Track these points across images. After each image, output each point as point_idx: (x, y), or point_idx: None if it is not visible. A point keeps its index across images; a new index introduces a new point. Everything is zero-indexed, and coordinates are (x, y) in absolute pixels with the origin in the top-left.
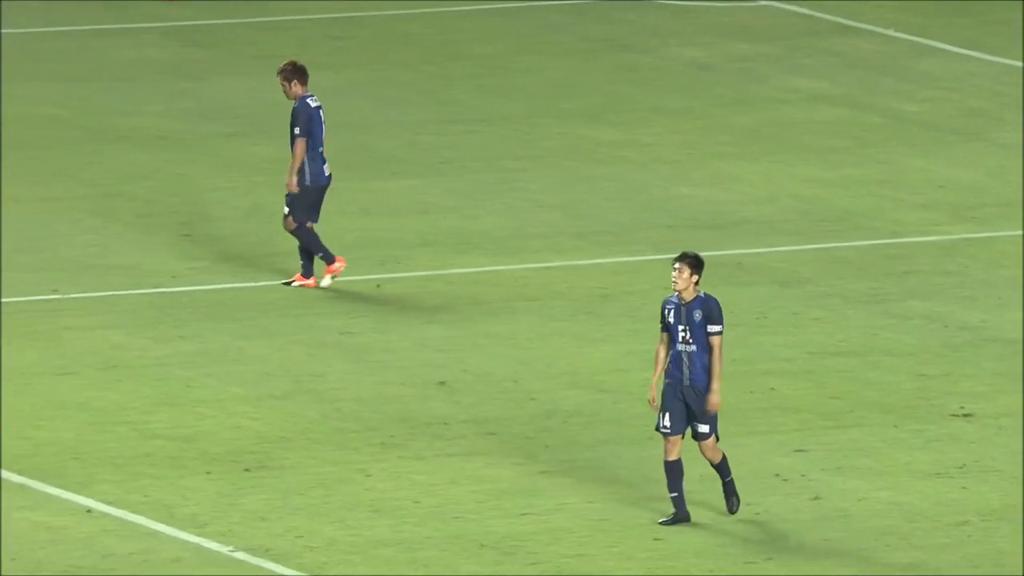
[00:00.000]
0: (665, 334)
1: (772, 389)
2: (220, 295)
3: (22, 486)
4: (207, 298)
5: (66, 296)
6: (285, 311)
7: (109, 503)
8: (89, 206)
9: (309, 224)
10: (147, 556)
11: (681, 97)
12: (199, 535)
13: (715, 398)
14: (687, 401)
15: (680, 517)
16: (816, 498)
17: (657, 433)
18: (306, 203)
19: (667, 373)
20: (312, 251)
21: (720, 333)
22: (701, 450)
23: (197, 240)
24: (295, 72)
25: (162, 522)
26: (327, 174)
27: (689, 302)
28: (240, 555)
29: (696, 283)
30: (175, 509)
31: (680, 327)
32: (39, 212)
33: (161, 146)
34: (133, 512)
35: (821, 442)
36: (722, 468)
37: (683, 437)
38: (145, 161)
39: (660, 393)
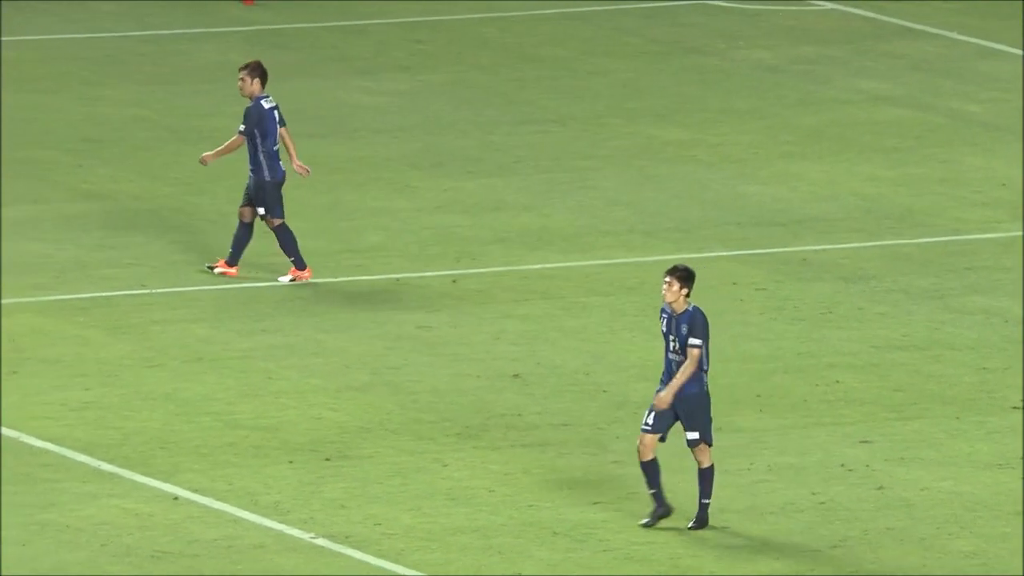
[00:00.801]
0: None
1: (837, 382)
2: (300, 290)
3: (112, 474)
4: (288, 293)
5: (153, 291)
6: (364, 305)
7: (195, 491)
8: (174, 204)
9: (274, 221)
10: (231, 542)
11: (748, 98)
12: (281, 522)
13: (663, 395)
14: (676, 408)
15: (661, 513)
16: (880, 488)
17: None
18: (272, 199)
19: (662, 378)
20: (286, 253)
21: (699, 347)
22: (694, 455)
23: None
24: (258, 72)
25: (246, 509)
26: (283, 170)
27: (679, 314)
28: (321, 541)
29: (687, 296)
30: (258, 497)
31: (671, 337)
32: (128, 210)
33: (242, 146)
34: (218, 500)
35: (885, 433)
36: (704, 484)
37: (662, 440)
38: (227, 161)
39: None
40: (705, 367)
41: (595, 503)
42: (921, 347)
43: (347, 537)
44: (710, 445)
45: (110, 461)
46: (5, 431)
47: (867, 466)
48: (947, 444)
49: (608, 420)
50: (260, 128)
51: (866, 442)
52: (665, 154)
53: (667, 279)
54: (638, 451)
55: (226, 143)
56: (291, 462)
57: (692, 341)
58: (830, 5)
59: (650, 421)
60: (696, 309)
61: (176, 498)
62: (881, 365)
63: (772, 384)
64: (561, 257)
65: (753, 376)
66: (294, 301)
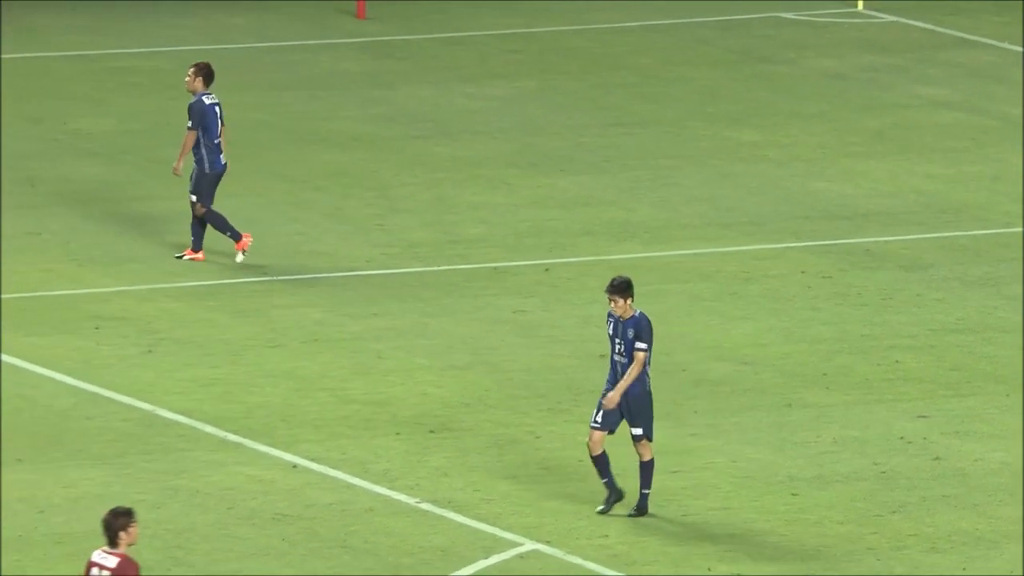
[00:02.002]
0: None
1: (897, 362)
2: (407, 277)
3: (237, 444)
4: (396, 280)
5: (274, 278)
6: (465, 292)
7: (312, 459)
8: (293, 199)
9: (201, 208)
10: (344, 506)
11: (816, 103)
12: (390, 488)
13: (614, 396)
14: (622, 407)
15: (614, 499)
16: (937, 458)
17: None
18: (207, 188)
19: (608, 378)
20: (221, 231)
21: (645, 350)
22: (636, 448)
23: (387, 229)
24: (204, 72)
25: (358, 476)
26: (223, 163)
27: (626, 320)
28: (425, 506)
29: (631, 303)
30: (369, 465)
31: (616, 340)
32: (250, 205)
33: (355, 147)
34: (332, 467)
35: (941, 409)
36: (645, 475)
37: (609, 433)
38: (341, 160)
39: (604, 393)
40: (647, 369)
41: (675, 472)
42: (975, 330)
43: (449, 502)
44: (651, 440)
45: (235, 432)
46: (141, 404)
47: (925, 439)
48: (999, 419)
49: (686, 396)
50: (202, 123)
51: (924, 417)
52: (740, 154)
53: (610, 297)
54: (588, 447)
55: (183, 143)
56: (399, 434)
57: (639, 345)
58: (892, 17)
59: (599, 419)
60: (642, 315)
61: (295, 466)
62: (938, 347)
63: (837, 364)
64: (644, 248)
65: (820, 356)
66: (401, 288)
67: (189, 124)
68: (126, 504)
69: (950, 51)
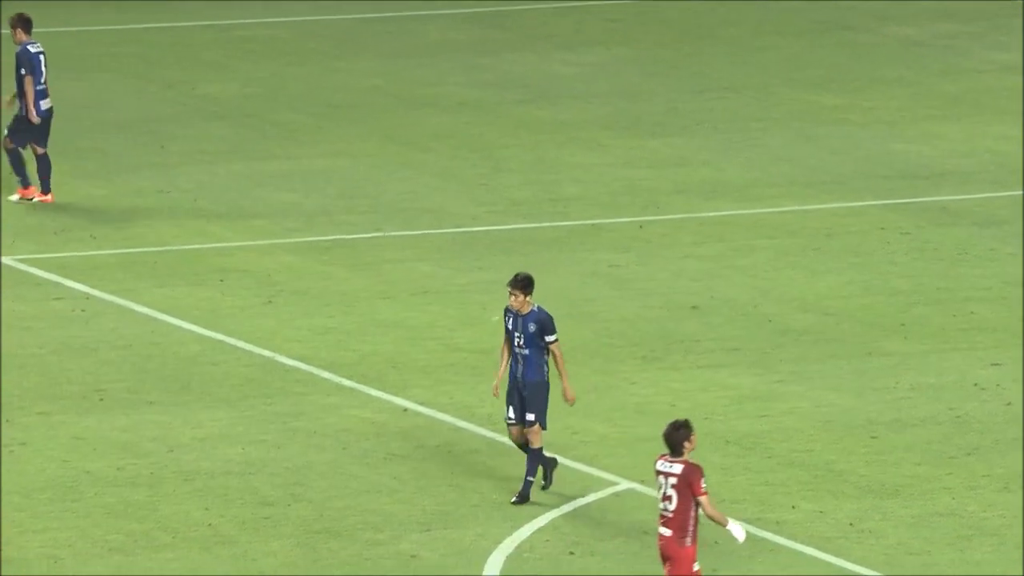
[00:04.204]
0: (507, 335)
1: (972, 313)
2: (511, 233)
3: (351, 389)
4: (500, 236)
5: (386, 234)
6: (564, 247)
7: (421, 404)
8: (403, 160)
9: (41, 150)
10: (451, 447)
11: (895, 68)
12: (493, 431)
13: (570, 393)
14: (522, 395)
15: (551, 467)
16: (1008, 404)
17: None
18: (36, 131)
19: (510, 370)
20: (13, 170)
21: (556, 341)
22: (527, 434)
23: (491, 188)
24: (20, 22)
25: (464, 420)
26: (44, 108)
27: (525, 315)
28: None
29: (529, 299)
30: (474, 409)
31: (516, 334)
32: (363, 166)
33: (462, 111)
34: (440, 411)
35: (1013, 357)
36: (531, 463)
37: (524, 426)
38: (449, 123)
39: (509, 388)
40: (546, 357)
41: (762, 416)
42: None
43: (549, 444)
44: (544, 428)
45: (350, 377)
46: (262, 351)
47: (997, 385)
48: None
49: (773, 345)
50: (28, 69)
51: (996, 365)
52: (823, 117)
53: (511, 292)
54: (512, 437)
55: (26, 92)
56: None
57: (549, 339)
58: None
59: (511, 415)
60: (541, 309)
61: (405, 410)
62: (1010, 298)
63: (915, 314)
64: (733, 205)
65: (898, 308)
66: (505, 243)
67: (22, 71)
68: (249, 444)
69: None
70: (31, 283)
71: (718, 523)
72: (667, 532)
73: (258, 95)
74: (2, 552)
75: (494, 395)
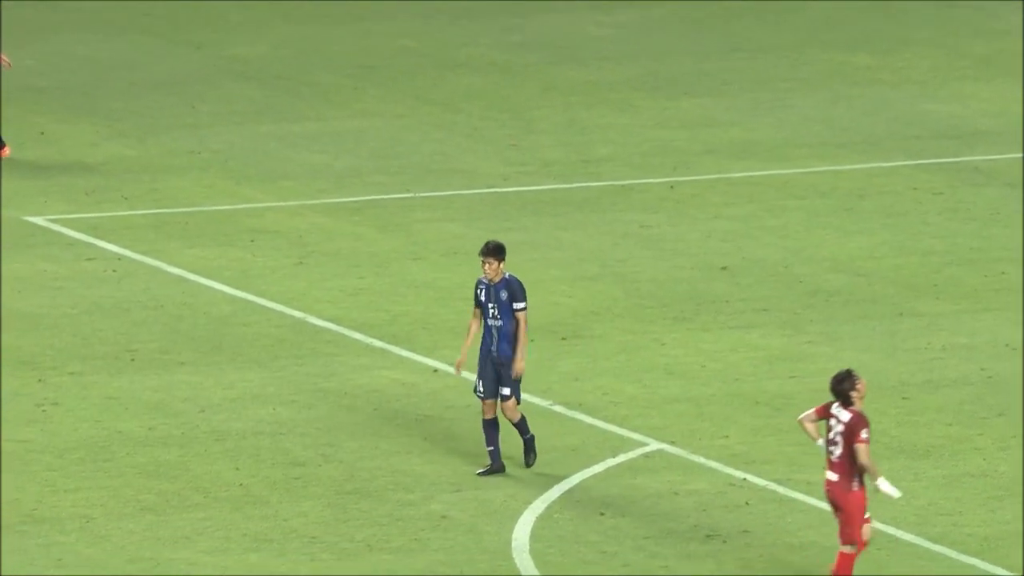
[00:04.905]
0: (477, 310)
1: (1004, 273)
2: (541, 194)
3: (382, 350)
4: (530, 196)
5: (417, 195)
6: (595, 207)
7: (451, 364)
8: (434, 121)
9: None
10: (479, 408)
11: (927, 29)
12: (524, 391)
13: (519, 365)
14: (496, 369)
15: (495, 468)
16: None
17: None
18: None
19: (481, 344)
20: None
21: (524, 309)
22: (503, 410)
23: (522, 149)
24: None
25: None
26: None
27: (497, 283)
28: (557, 408)
29: (501, 267)
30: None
31: (490, 305)
32: (394, 127)
33: (493, 72)
34: (471, 372)
35: None
36: (521, 427)
37: (497, 400)
38: (480, 84)
39: (480, 361)
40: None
41: (792, 377)
42: None
43: (579, 404)
44: (519, 403)
45: (380, 338)
46: (293, 312)
47: None
48: None
49: (803, 306)
50: None
51: None
52: (855, 77)
53: (484, 259)
54: (482, 410)
55: None
56: (532, 340)
57: (517, 306)
58: None
59: (481, 389)
60: (512, 277)
61: (436, 370)
62: None
63: (947, 275)
64: (764, 166)
65: (931, 268)
66: (535, 204)
67: None
68: (280, 404)
69: None
70: (63, 243)
71: (870, 475)
72: (833, 476)
73: (289, 56)
74: (34, 513)
75: (456, 372)
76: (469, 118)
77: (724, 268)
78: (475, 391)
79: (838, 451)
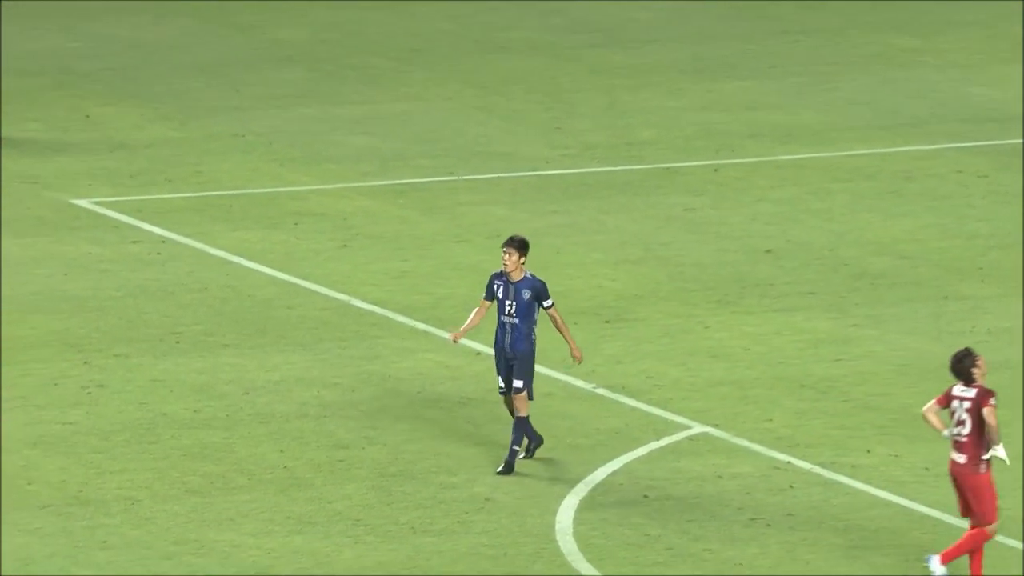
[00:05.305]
0: (486, 302)
1: None
2: (584, 177)
3: (426, 332)
4: (574, 179)
5: (460, 177)
6: (638, 190)
7: (491, 347)
8: (478, 104)
9: None
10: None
11: (972, 11)
12: (567, 374)
13: (577, 353)
14: (508, 362)
15: (534, 445)
16: None
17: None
18: None
19: (495, 341)
20: None
21: (554, 306)
22: (513, 400)
23: (565, 132)
24: None
25: (538, 363)
26: None
27: (517, 282)
28: (601, 391)
29: (523, 263)
30: (548, 353)
31: (508, 302)
32: (438, 110)
33: (535, 55)
34: None
35: None
36: (519, 427)
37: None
38: (522, 67)
39: (496, 357)
40: (535, 327)
41: (837, 360)
42: None
43: (623, 387)
44: (531, 398)
45: (424, 321)
46: (337, 295)
47: None
48: None
49: (848, 289)
50: None
51: None
52: (899, 60)
53: (505, 250)
54: (506, 406)
55: None
56: (576, 323)
57: (547, 304)
58: None
59: (502, 384)
60: (534, 277)
61: (479, 353)
62: None
63: (992, 258)
64: (808, 149)
65: (976, 251)
66: (579, 187)
67: None
68: (324, 387)
69: None
70: (108, 226)
71: (989, 437)
72: (960, 458)
73: (333, 40)
74: (80, 495)
75: (453, 341)
76: (512, 101)
77: (768, 251)
78: (500, 391)
79: (966, 430)
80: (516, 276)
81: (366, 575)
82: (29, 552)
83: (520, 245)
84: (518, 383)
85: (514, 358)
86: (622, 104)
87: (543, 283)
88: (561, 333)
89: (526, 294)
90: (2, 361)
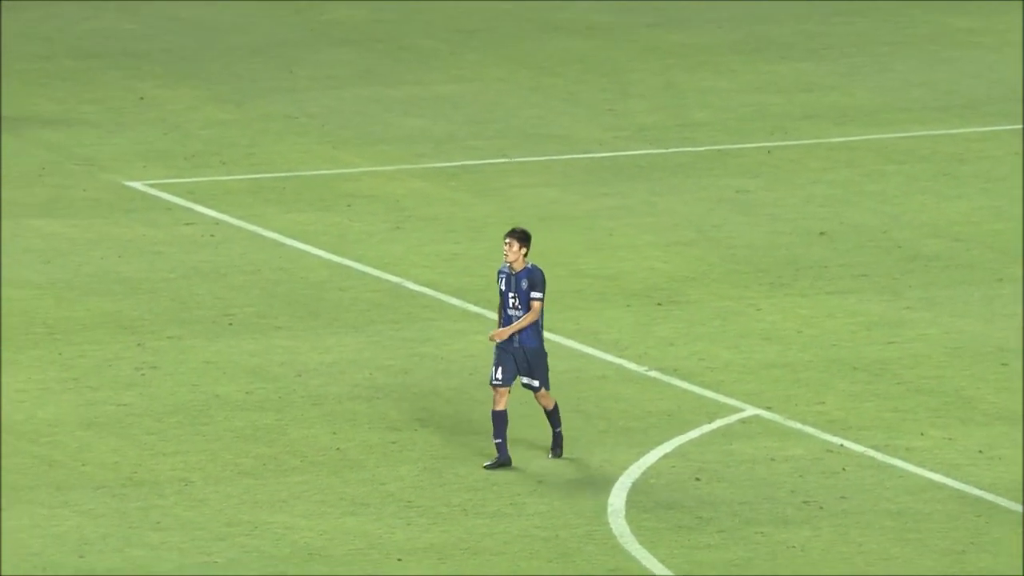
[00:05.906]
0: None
1: None
2: (637, 159)
3: (478, 315)
4: (627, 161)
5: (512, 160)
6: (691, 172)
7: (547, 330)
8: (531, 84)
9: None
10: (578, 373)
11: None
12: (620, 357)
13: (503, 332)
14: (516, 360)
15: (502, 461)
16: None
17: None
18: None
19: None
20: None
21: (540, 300)
22: (536, 399)
23: (619, 113)
24: None
25: (590, 346)
26: None
27: (518, 272)
28: (653, 373)
29: (525, 255)
30: (600, 335)
31: (510, 294)
32: (492, 91)
33: (590, 34)
34: (566, 337)
35: None
36: (553, 417)
37: (510, 390)
38: (577, 47)
39: (498, 349)
40: (541, 321)
41: (890, 343)
42: None
43: (675, 370)
44: (548, 390)
45: (477, 303)
46: (389, 277)
47: None
48: None
49: (902, 271)
50: None
51: None
52: (956, 40)
53: (507, 240)
54: (494, 400)
55: None
56: (628, 306)
57: (534, 295)
58: None
59: (499, 376)
60: (534, 266)
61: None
62: None
63: None
64: (863, 131)
65: None
66: (631, 169)
67: None
68: (377, 369)
69: None
70: (161, 208)
71: None
72: None
73: (388, 20)
74: (134, 476)
75: (491, 340)
76: (566, 82)
77: (822, 233)
78: (491, 382)
79: None
80: (518, 267)
81: (418, 556)
82: (83, 533)
83: (521, 236)
84: (534, 383)
85: (525, 356)
86: (677, 85)
87: (541, 273)
88: (518, 321)
89: (524, 283)
90: (45, 344)
